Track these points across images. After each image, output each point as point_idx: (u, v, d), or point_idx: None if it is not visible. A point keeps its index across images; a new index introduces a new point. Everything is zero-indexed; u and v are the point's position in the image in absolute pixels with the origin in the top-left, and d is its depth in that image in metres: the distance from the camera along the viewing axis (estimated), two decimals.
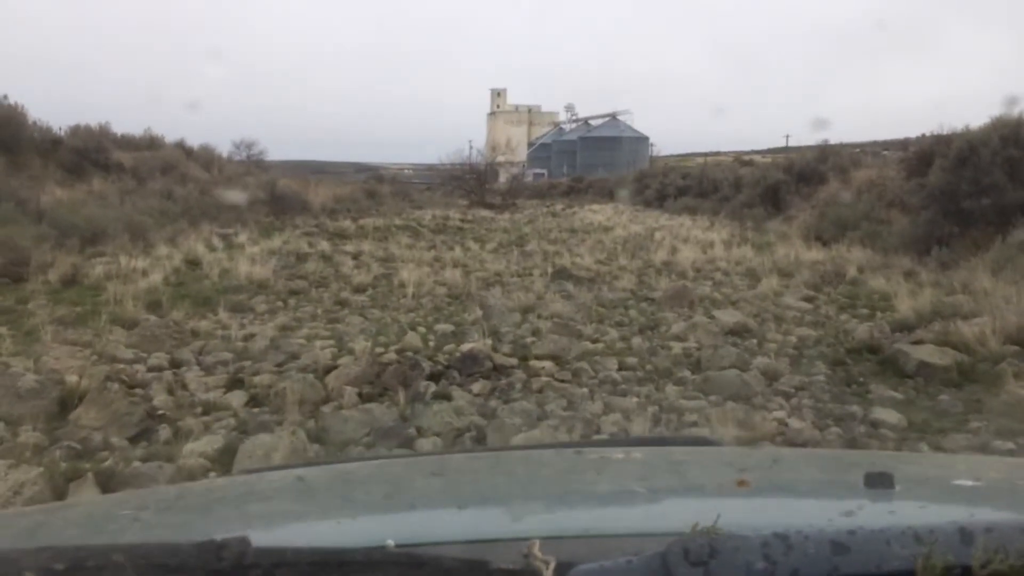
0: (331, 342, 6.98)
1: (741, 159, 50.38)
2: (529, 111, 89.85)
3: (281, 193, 22.84)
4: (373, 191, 31.22)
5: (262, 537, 0.79)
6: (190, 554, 0.75)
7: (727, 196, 29.92)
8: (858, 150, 32.59)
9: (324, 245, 15.01)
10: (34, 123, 20.49)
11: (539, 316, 8.22)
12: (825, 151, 26.62)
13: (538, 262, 13.19)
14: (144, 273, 9.84)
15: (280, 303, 9.02)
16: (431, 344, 6.95)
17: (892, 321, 7.86)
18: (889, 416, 5.22)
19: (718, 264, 12.78)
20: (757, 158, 48.21)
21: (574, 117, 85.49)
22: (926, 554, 0.71)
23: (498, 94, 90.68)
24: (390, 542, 0.87)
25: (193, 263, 11.41)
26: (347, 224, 20.75)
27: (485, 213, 29.46)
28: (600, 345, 7.11)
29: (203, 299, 8.72)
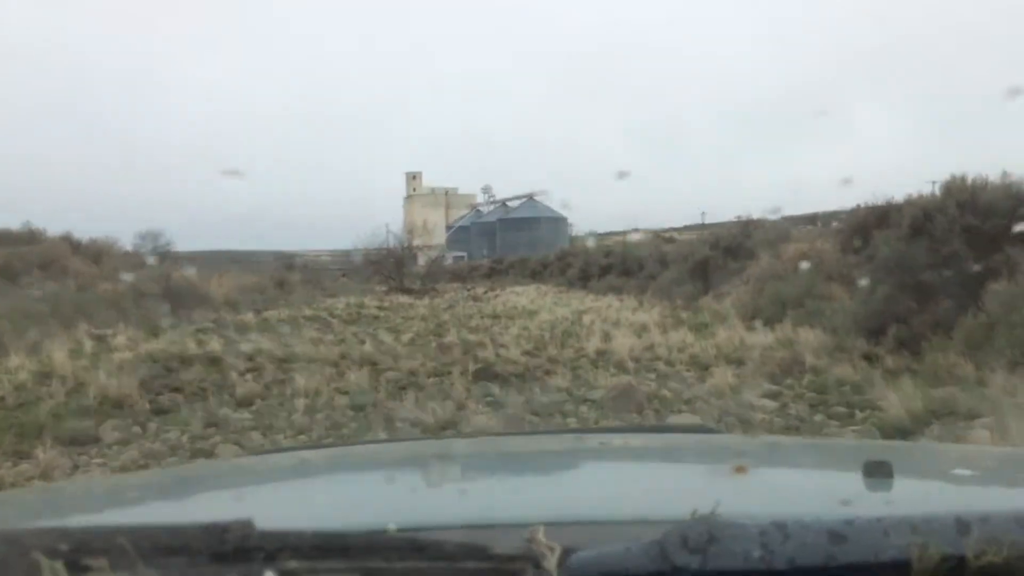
0: None
1: (662, 236, 50.50)
2: (446, 193, 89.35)
3: (176, 286, 20.85)
4: (282, 280, 29.40)
5: (266, 519, 0.76)
6: (194, 536, 0.75)
7: (652, 274, 29.32)
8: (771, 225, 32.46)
9: (216, 344, 13.18)
10: None
11: (460, 435, 6.70)
12: (748, 225, 26.23)
13: (458, 356, 11.69)
14: None
15: (138, 428, 7.26)
16: None
17: (880, 424, 6.63)
18: None
19: (658, 352, 11.50)
20: (675, 235, 48.33)
21: (491, 199, 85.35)
22: (922, 544, 0.71)
23: (413, 177, 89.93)
24: (392, 526, 0.87)
25: (46, 375, 9.50)
26: (249, 318, 18.95)
27: (404, 299, 28.03)
28: None
29: (35, 428, 6.90)
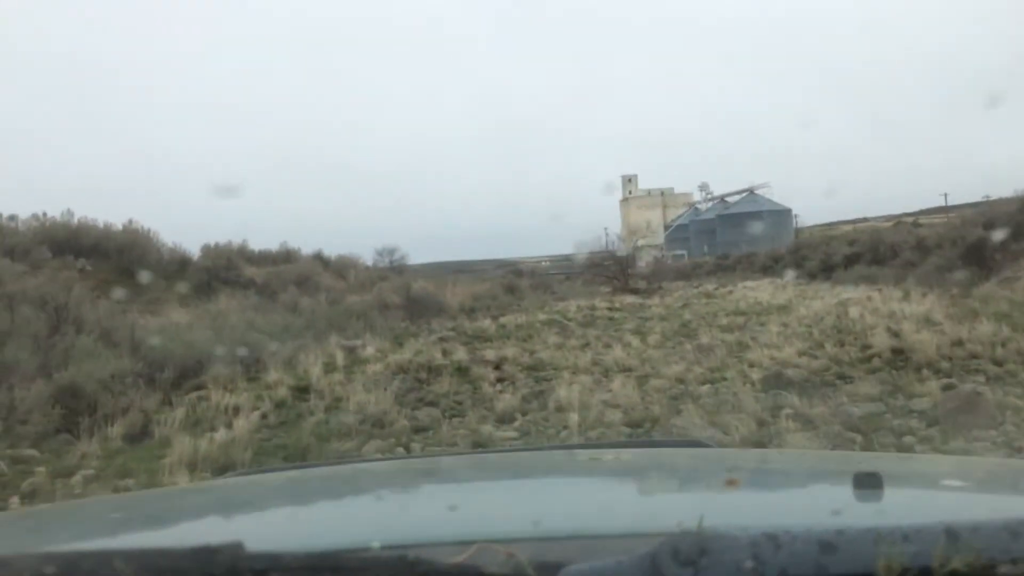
0: None
1: (904, 221, 45.90)
2: (662, 194, 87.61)
3: (416, 296, 21.09)
4: (512, 286, 29.27)
5: (256, 540, 0.76)
6: (184, 559, 0.74)
7: (911, 261, 26.34)
8: None
9: (461, 353, 12.73)
10: (162, 246, 19.95)
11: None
12: None
13: (725, 359, 10.42)
14: (235, 412, 7.74)
15: (401, 449, 6.68)
16: None
17: None
18: None
19: (971, 348, 9.55)
20: (917, 220, 43.65)
21: (709, 196, 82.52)
22: (887, 554, 0.70)
23: (629, 180, 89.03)
24: (375, 544, 0.86)
25: (303, 390, 9.31)
26: (486, 324, 18.58)
27: (632, 299, 26.86)
28: None
29: (300, 452, 6.48)
